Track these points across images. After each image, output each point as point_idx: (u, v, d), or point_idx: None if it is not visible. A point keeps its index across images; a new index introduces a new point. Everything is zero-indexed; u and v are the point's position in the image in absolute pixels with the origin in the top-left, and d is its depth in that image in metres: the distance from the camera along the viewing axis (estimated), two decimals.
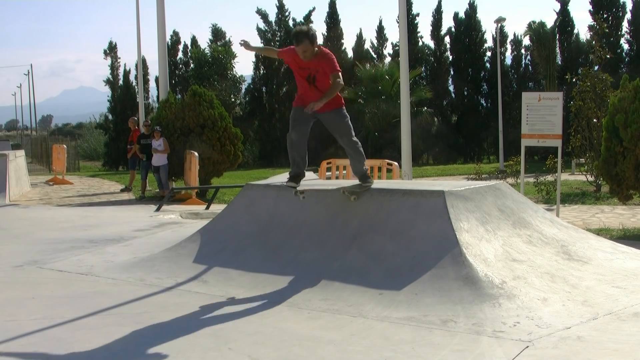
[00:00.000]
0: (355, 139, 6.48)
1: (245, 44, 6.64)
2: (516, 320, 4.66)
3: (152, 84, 36.62)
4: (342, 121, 6.35)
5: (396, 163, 12.14)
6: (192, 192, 15.60)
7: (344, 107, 6.42)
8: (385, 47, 40.27)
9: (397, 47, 29.99)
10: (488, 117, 36.78)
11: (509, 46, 38.67)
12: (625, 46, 35.29)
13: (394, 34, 70.01)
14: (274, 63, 38.96)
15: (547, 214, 7.03)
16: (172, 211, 12.56)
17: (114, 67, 38.55)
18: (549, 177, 15.62)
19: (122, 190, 18.57)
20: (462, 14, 38.30)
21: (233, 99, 38.39)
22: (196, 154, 15.27)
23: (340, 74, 6.04)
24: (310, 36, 5.92)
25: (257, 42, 39.20)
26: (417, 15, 38.28)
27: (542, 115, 10.59)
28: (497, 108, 29.73)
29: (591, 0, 34.06)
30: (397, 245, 5.88)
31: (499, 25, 33.39)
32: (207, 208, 13.13)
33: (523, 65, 38.54)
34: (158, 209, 12.78)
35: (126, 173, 23.62)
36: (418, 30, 38.09)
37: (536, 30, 33.10)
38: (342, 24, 40.01)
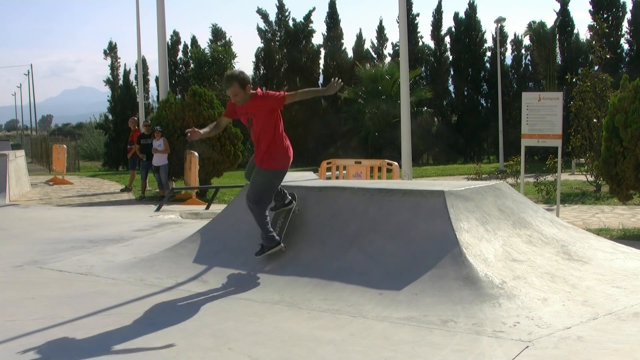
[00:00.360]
0: (261, 206, 6.05)
1: (194, 133, 5.84)
2: (516, 320, 4.66)
3: (152, 84, 36.64)
4: (263, 182, 5.99)
5: (396, 163, 12.15)
6: (192, 192, 15.60)
7: (278, 173, 6.01)
8: (385, 47, 40.31)
9: (397, 47, 29.98)
10: (488, 117, 36.77)
11: (509, 46, 38.68)
12: (625, 46, 35.29)
13: (394, 34, 70.12)
14: (274, 63, 38.96)
15: (547, 214, 7.03)
16: (172, 211, 12.56)
17: (114, 67, 38.55)
18: (549, 177, 15.61)
19: (122, 190, 18.57)
20: (462, 14, 38.31)
21: None
22: (196, 154, 15.27)
23: (284, 95, 5.83)
24: (240, 80, 5.68)
25: (257, 42, 39.30)
26: (417, 15, 38.28)
27: (542, 115, 10.59)
28: (497, 108, 29.73)
29: (591, 0, 34.04)
30: (397, 245, 5.88)
31: (499, 25, 33.38)
32: (207, 208, 13.13)
33: (523, 65, 38.52)
34: (158, 209, 12.78)
35: (126, 173, 23.61)
36: (418, 30, 38.09)
37: (536, 30, 33.09)
38: (342, 24, 40.01)
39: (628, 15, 34.66)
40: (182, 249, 7.09)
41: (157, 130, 15.63)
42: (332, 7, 39.19)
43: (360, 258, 5.92)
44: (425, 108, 36.02)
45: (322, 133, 35.28)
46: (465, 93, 38.67)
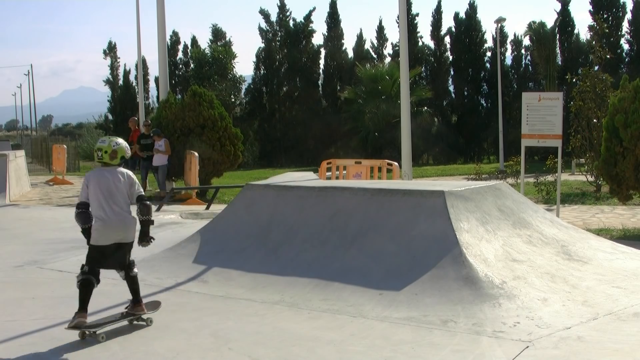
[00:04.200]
0: None
1: None
2: (516, 321, 4.66)
3: (152, 84, 36.63)
4: None
5: (396, 163, 12.15)
6: (192, 192, 15.59)
7: None
8: (385, 47, 40.31)
9: (397, 47, 29.97)
10: (488, 117, 36.77)
11: (509, 46, 38.67)
12: (625, 46, 35.29)
13: (394, 34, 70.06)
14: (275, 63, 38.96)
15: (547, 214, 7.03)
16: (172, 211, 12.56)
17: (113, 67, 38.56)
18: (549, 177, 15.59)
19: None
20: (462, 14, 38.30)
21: (233, 99, 38.38)
22: (196, 154, 15.26)
23: None
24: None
25: (257, 42, 39.35)
26: (417, 15, 38.30)
27: (542, 115, 10.58)
28: (497, 108, 29.71)
29: (591, 0, 34.04)
30: (397, 245, 5.88)
31: (499, 25, 33.36)
32: (207, 208, 13.13)
33: (523, 65, 38.51)
34: (158, 209, 12.78)
35: None
36: (418, 30, 38.09)
37: (536, 30, 33.07)
38: (342, 24, 40.02)
39: (628, 15, 34.69)
40: (182, 249, 7.09)
41: (157, 134, 15.62)
42: (333, 7, 39.21)
43: (360, 258, 5.92)
44: (425, 108, 36.01)
45: (322, 133, 35.30)
46: (465, 93, 38.66)
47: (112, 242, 4.87)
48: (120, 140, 5.05)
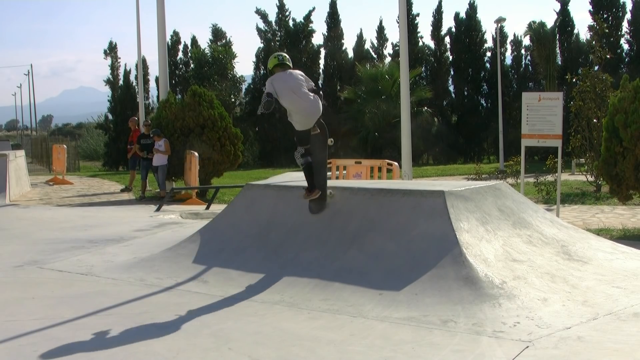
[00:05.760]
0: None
1: None
2: (516, 321, 4.66)
3: (152, 84, 36.59)
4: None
5: (396, 163, 12.14)
6: (192, 192, 15.60)
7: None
8: (385, 47, 40.30)
9: (397, 47, 29.96)
10: (488, 117, 36.76)
11: (509, 46, 38.65)
12: (625, 46, 35.27)
13: (394, 34, 70.07)
14: None
15: (547, 214, 7.03)
16: (172, 211, 12.56)
17: (114, 67, 38.49)
18: (549, 177, 15.60)
19: (122, 191, 18.56)
20: (462, 14, 38.29)
21: (233, 99, 38.37)
22: (196, 154, 15.27)
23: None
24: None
25: (257, 42, 39.33)
26: (417, 15, 38.25)
27: (542, 115, 10.59)
28: (497, 108, 29.73)
29: (591, 0, 34.05)
30: (397, 245, 5.88)
31: (499, 25, 33.37)
32: (207, 208, 13.13)
33: (523, 65, 38.51)
34: (158, 209, 12.78)
35: (126, 173, 23.60)
36: (418, 30, 38.08)
37: (536, 30, 33.10)
38: (342, 24, 40.00)
39: (628, 16, 34.68)
40: (182, 249, 7.09)
41: (157, 134, 15.64)
42: (333, 7, 39.19)
43: (360, 258, 5.92)
44: (425, 108, 36.02)
45: None
46: (465, 93, 38.66)
47: (312, 125, 6.35)
48: None
